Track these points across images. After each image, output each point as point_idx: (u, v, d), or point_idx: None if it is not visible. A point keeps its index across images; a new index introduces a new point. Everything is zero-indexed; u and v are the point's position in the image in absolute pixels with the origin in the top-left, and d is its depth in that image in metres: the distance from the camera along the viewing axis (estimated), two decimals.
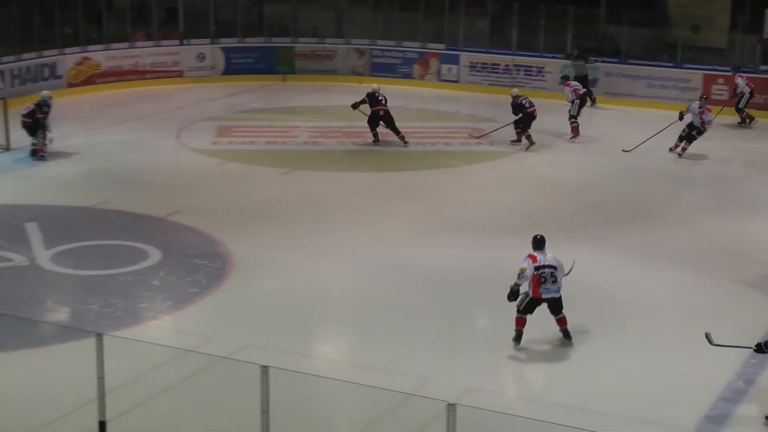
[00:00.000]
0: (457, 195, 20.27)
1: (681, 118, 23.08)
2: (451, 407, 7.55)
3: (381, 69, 30.87)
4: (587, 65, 28.18)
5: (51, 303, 15.15)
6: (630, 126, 25.51)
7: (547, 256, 12.97)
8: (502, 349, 13.01)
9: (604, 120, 26.85)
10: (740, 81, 26.14)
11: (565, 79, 25.59)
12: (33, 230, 17.42)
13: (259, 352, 11.98)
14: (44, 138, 21.96)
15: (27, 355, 12.96)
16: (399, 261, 16.32)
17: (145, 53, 30.44)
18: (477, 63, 30.44)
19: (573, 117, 24.48)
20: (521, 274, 12.92)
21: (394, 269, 16.03)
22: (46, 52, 28.66)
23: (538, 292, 12.91)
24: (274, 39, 31.87)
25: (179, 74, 30.87)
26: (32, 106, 22.15)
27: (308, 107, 28.21)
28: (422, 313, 14.39)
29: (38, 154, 21.89)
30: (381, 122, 23.44)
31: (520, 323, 13.05)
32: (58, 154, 22.17)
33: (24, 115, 22.07)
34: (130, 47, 30.34)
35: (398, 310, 14.45)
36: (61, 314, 14.77)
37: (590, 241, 17.04)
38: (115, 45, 30.18)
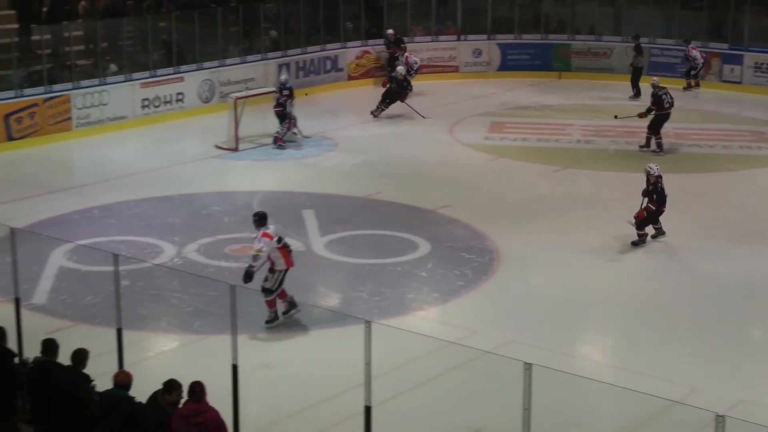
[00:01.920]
0: (738, 200, 19.49)
1: None
2: (720, 419, 7.25)
3: (660, 68, 29.99)
4: None
5: (323, 288, 15.68)
6: None
7: (277, 228, 13.46)
8: None
9: None
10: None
11: None
12: (310, 217, 18.09)
13: (523, 349, 11.95)
14: (288, 127, 22.75)
15: (300, 337, 13.49)
16: (673, 265, 15.90)
17: (422, 48, 30.95)
18: (762, 64, 29.09)
19: None
20: (257, 256, 13.08)
21: (668, 273, 15.62)
22: (329, 46, 29.71)
23: (291, 261, 13.37)
24: (551, 36, 31.65)
25: (455, 69, 31.20)
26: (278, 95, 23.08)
27: (583, 105, 27.83)
28: (694, 320, 13.94)
29: (277, 142, 22.73)
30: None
31: (274, 305, 13.38)
32: (339, 145, 22.94)
33: (275, 106, 22.99)
34: (408, 42, 30.92)
35: (668, 315, 14.06)
36: (332, 300, 15.25)
37: None
38: None
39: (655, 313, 14.15)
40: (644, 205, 16.62)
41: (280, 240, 13.48)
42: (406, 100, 25.56)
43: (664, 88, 22.64)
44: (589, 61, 31.27)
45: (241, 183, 20.64)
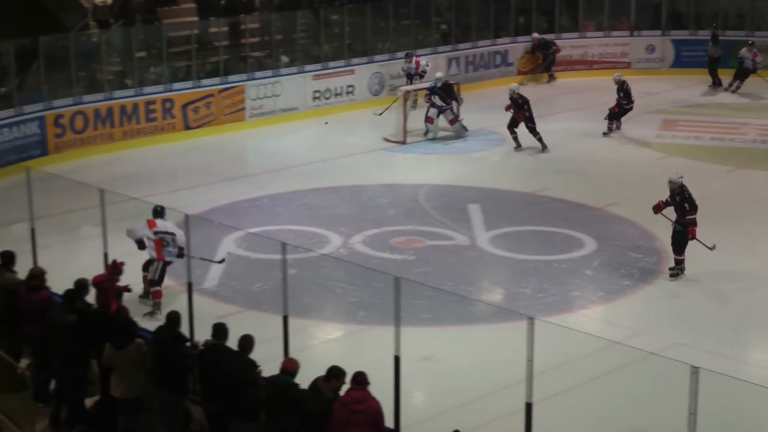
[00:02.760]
0: None
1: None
2: None
3: None
4: None
5: (487, 283, 15.66)
6: None
7: (168, 224, 13.71)
8: None
9: None
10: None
11: None
12: (475, 212, 18.09)
13: (690, 352, 11.70)
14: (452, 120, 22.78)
15: (462, 331, 13.51)
16: None
17: (594, 43, 30.55)
18: None
19: None
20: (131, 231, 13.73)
21: None
22: (499, 41, 29.61)
23: (161, 255, 13.64)
24: (729, 32, 30.70)
25: (627, 65, 30.64)
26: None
27: (761, 104, 26.94)
28: None
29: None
30: None
31: (158, 295, 13.66)
32: (506, 140, 22.86)
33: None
34: (580, 37, 30.58)
35: None
36: (495, 295, 15.22)
37: None
38: (565, 35, 30.56)
39: None
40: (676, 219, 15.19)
41: (157, 233, 13.73)
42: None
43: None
44: None
45: (407, 176, 20.79)
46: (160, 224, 13.94)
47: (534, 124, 22.01)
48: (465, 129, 23.34)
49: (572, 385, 11.71)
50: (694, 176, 20.32)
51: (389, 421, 9.37)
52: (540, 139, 21.99)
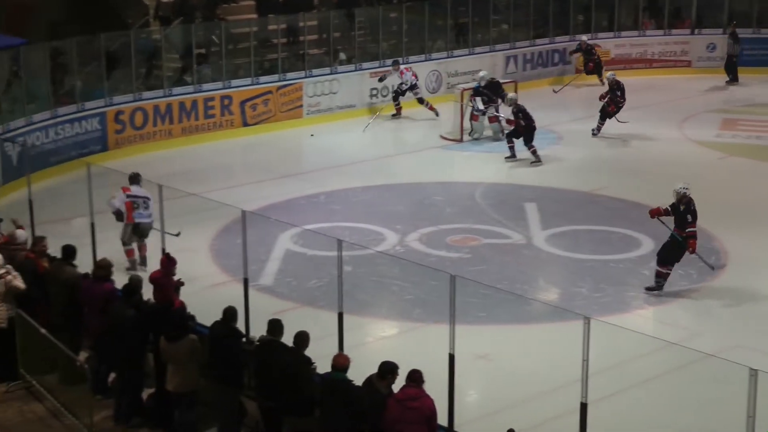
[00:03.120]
0: None
1: None
2: None
3: None
4: None
5: (543, 282, 15.59)
6: None
7: (141, 190, 14.88)
8: None
9: None
10: None
11: None
12: (532, 210, 18.01)
13: (749, 354, 11.56)
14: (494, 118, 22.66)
15: (517, 330, 13.47)
16: None
17: (654, 42, 30.27)
18: None
19: None
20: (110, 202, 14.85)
21: None
22: (558, 39, 29.45)
23: (131, 216, 14.83)
24: None
25: (687, 64, 30.33)
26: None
27: None
28: None
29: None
30: None
31: (131, 254, 14.99)
32: (563, 139, 22.74)
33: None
34: (639, 35, 30.31)
35: None
36: (551, 294, 15.14)
37: None
38: (625, 33, 30.32)
39: None
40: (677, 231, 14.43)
41: (129, 196, 14.93)
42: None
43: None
44: None
45: (464, 174, 20.76)
46: (134, 189, 15.06)
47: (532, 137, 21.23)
48: (501, 133, 22.82)
49: (628, 386, 11.63)
50: (754, 176, 20.19)
51: (443, 419, 9.38)
52: (534, 152, 21.07)
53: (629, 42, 30.22)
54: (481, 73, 23.41)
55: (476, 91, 22.74)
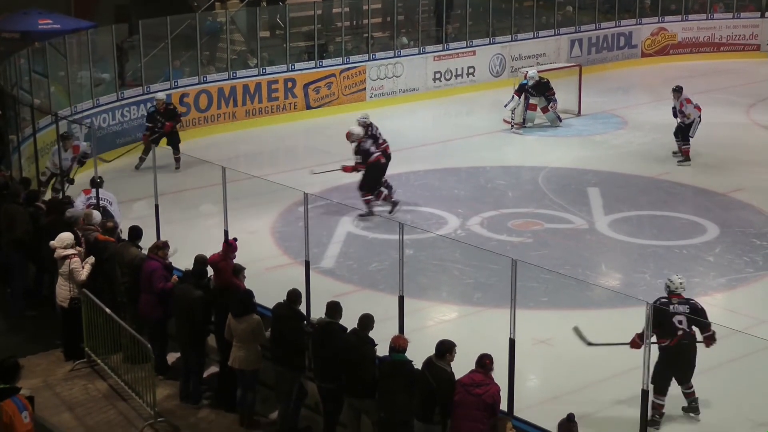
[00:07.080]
0: None
1: None
2: None
3: None
4: None
5: (605, 267, 15.46)
6: None
7: (106, 193, 14.37)
8: None
9: None
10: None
11: None
12: (594, 195, 17.88)
13: None
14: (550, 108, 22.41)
15: (579, 315, 13.37)
16: None
17: (722, 25, 29.83)
18: None
19: None
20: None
21: None
22: (623, 22, 29.14)
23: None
24: None
25: (757, 48, 29.85)
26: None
27: None
28: None
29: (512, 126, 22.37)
30: None
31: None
32: (628, 123, 22.52)
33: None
34: (707, 18, 29.88)
35: None
36: (613, 280, 15.03)
37: None
38: (692, 16, 29.91)
39: None
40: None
41: (89, 199, 14.20)
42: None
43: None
44: None
45: (526, 158, 20.65)
46: (94, 193, 14.27)
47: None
48: (559, 119, 22.73)
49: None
50: None
51: (503, 404, 9.35)
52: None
53: (697, 25, 29.80)
54: (531, 72, 22.79)
55: (521, 88, 22.38)
